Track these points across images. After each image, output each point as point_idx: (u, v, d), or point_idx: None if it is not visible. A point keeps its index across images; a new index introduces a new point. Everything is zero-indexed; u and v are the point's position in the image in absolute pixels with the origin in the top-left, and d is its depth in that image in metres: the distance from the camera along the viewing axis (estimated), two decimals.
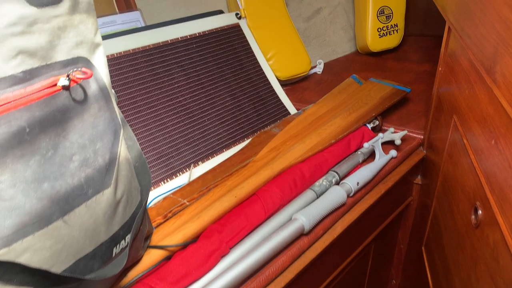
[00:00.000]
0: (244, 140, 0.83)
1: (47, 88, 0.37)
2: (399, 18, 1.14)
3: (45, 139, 0.37)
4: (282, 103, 0.93)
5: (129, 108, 0.70)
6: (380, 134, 0.76)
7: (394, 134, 0.79)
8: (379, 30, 1.13)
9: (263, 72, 0.95)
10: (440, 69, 0.73)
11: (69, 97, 0.39)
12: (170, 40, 0.79)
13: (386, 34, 1.14)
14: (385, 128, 0.85)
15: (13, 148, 0.34)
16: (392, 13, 1.13)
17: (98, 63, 0.43)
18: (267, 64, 0.97)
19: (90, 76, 0.39)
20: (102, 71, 0.43)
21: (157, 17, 0.91)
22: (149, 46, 0.75)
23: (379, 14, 1.12)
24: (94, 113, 0.41)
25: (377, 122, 0.83)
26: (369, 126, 0.81)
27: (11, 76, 0.34)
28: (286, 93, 0.96)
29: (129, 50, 0.72)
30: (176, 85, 0.78)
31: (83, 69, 0.39)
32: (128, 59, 0.71)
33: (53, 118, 0.37)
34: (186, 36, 0.82)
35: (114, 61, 0.69)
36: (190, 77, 0.81)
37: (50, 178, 0.37)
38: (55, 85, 0.37)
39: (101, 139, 0.42)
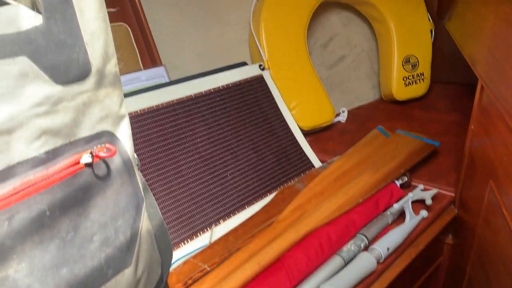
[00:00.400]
0: (266, 195, 0.80)
1: (70, 167, 0.35)
2: (425, 66, 1.12)
3: (65, 221, 0.35)
4: (305, 155, 0.91)
5: (151, 165, 0.69)
6: (410, 194, 0.73)
7: (424, 193, 0.75)
8: (405, 79, 1.11)
9: (286, 122, 0.94)
10: (472, 127, 0.71)
11: (91, 174, 0.37)
12: (194, 95, 0.78)
13: (412, 83, 1.12)
14: (414, 184, 0.82)
15: (32, 234, 0.33)
16: (418, 62, 1.12)
17: (122, 136, 0.41)
18: (290, 115, 0.96)
19: (114, 154, 0.37)
20: (127, 144, 0.42)
21: (182, 69, 0.91)
22: (173, 101, 0.75)
23: (405, 63, 1.11)
24: (117, 189, 0.40)
25: (405, 179, 0.80)
26: (398, 183, 0.78)
27: (34, 158, 0.33)
28: (309, 144, 0.94)
29: (153, 106, 0.71)
30: (198, 140, 0.77)
31: (107, 145, 0.38)
32: (152, 115, 0.71)
33: (74, 198, 0.36)
34: (210, 90, 0.81)
35: (138, 118, 0.69)
36: (212, 131, 0.79)
37: (69, 262, 0.35)
38: (78, 163, 0.36)
39: (123, 215, 0.40)
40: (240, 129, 0.84)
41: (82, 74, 0.37)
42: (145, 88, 0.72)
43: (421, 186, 0.78)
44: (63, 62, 0.35)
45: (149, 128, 0.70)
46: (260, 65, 0.95)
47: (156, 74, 0.78)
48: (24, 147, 0.33)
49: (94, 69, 0.38)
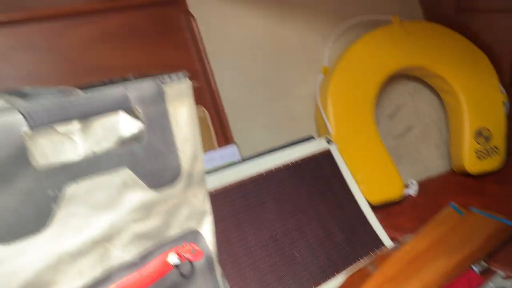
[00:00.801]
0: (334, 275, 0.78)
1: (160, 268, 0.37)
2: (499, 140, 1.08)
3: None
4: (375, 232, 0.89)
5: (222, 244, 0.70)
6: (490, 284, 0.69)
7: (506, 282, 0.71)
8: (477, 152, 1.08)
9: (354, 197, 0.93)
10: None
11: (178, 273, 0.39)
12: (264, 173, 0.80)
13: (485, 156, 1.08)
14: (493, 268, 0.77)
15: None
16: (491, 134, 1.08)
17: (205, 232, 0.43)
18: (358, 189, 0.95)
19: (201, 256, 0.39)
20: (209, 240, 0.43)
21: (251, 143, 0.94)
22: (244, 180, 0.77)
23: (477, 135, 1.08)
24: (199, 286, 0.41)
25: (484, 264, 0.76)
26: (475, 269, 0.74)
27: (127, 262, 0.35)
28: (378, 218, 0.92)
29: (227, 186, 0.74)
30: (267, 217, 0.78)
31: (193, 245, 0.39)
32: (225, 195, 0.73)
33: None
34: (280, 167, 0.83)
35: (212, 199, 0.71)
36: (281, 208, 0.80)
37: None
38: (167, 264, 0.38)
39: None
40: (308, 204, 0.85)
41: (173, 178, 0.39)
42: (218, 168, 0.75)
43: (501, 273, 0.74)
44: (158, 169, 0.37)
45: (221, 207, 0.72)
46: (327, 139, 0.96)
47: (229, 153, 0.81)
48: (121, 253, 0.35)
49: (184, 171, 0.40)
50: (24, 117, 0.29)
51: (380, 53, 1.05)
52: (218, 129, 0.86)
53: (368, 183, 0.97)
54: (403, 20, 1.10)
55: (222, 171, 0.75)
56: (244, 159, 0.80)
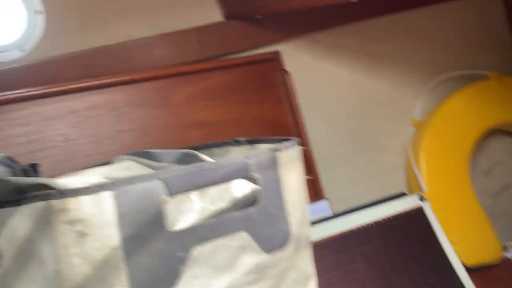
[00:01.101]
0: None
1: None
2: None
3: None
4: None
5: None
6: None
7: None
8: None
9: (448, 259, 0.88)
10: None
11: None
12: (356, 229, 0.79)
13: None
14: None
15: None
16: None
17: None
18: (452, 250, 0.90)
19: None
20: None
21: (338, 196, 0.94)
22: (335, 236, 0.77)
23: None
24: None
25: None
26: None
27: None
28: (474, 283, 0.87)
29: (318, 241, 0.74)
30: (358, 276, 0.76)
31: None
32: (315, 251, 0.73)
33: None
34: (371, 224, 0.82)
35: None
36: (372, 267, 0.78)
37: None
38: None
39: None
40: (400, 264, 0.82)
41: (284, 242, 0.40)
42: (310, 223, 0.75)
43: None
44: (271, 233, 0.39)
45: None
46: (419, 196, 0.93)
47: (320, 208, 0.81)
48: None
49: (293, 236, 0.41)
50: (163, 184, 0.32)
51: (477, 108, 1.02)
52: (309, 183, 0.86)
53: (463, 244, 0.92)
54: (501, 75, 1.06)
55: (313, 226, 0.75)
56: (335, 215, 0.80)
